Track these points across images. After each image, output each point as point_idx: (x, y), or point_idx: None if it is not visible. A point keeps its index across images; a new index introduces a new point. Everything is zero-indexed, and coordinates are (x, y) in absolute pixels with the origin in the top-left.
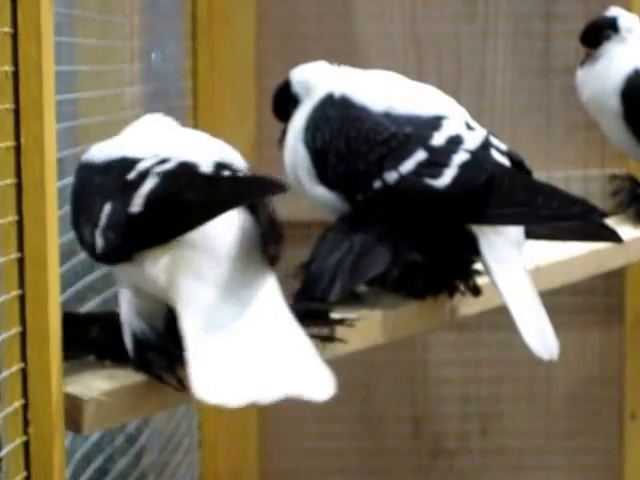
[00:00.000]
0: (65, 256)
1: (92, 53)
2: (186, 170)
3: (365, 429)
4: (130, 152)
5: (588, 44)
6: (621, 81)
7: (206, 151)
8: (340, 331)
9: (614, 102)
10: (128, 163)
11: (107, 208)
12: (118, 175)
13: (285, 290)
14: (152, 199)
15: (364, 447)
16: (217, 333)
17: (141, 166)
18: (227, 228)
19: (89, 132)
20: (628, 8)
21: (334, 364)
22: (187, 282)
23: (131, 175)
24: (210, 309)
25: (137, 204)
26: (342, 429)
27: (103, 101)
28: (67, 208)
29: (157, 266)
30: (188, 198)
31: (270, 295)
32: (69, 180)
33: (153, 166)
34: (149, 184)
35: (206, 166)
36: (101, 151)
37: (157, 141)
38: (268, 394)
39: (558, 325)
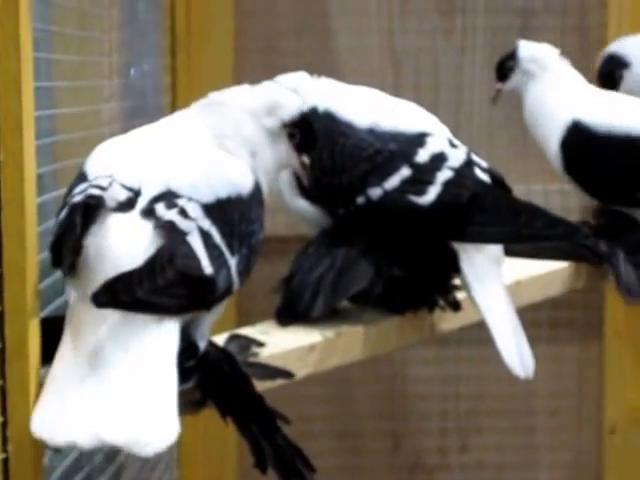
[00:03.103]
0: (45, 272)
1: (70, 69)
2: (86, 209)
3: (344, 445)
4: (90, 166)
5: (497, 77)
6: (561, 132)
7: (160, 176)
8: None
9: (555, 152)
10: (82, 177)
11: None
12: (69, 192)
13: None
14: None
15: (343, 463)
16: (76, 374)
17: (78, 189)
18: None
19: (68, 148)
20: (604, 22)
21: (314, 380)
22: (69, 324)
23: (70, 197)
24: (80, 350)
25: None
26: (321, 445)
27: (81, 117)
28: (47, 224)
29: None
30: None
31: (152, 343)
32: (49, 196)
33: (80, 192)
34: (62, 214)
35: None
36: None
37: (124, 154)
38: (88, 439)
39: (538, 340)
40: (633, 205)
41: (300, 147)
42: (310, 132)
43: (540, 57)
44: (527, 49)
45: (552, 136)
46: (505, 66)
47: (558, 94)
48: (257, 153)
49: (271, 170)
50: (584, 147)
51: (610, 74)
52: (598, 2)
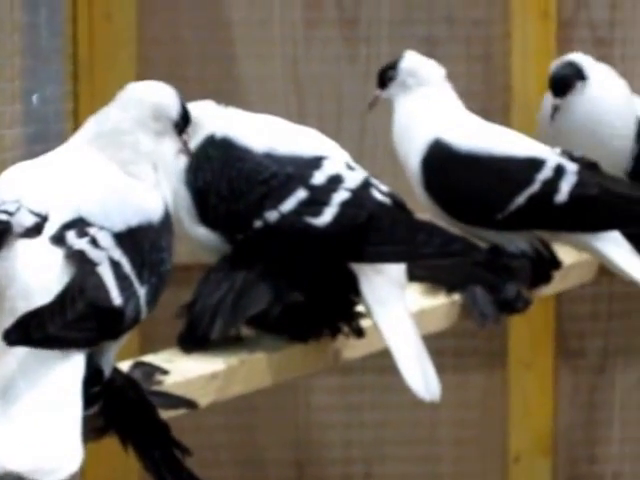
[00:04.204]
0: None
1: None
2: None
3: (248, 474)
4: (3, 187)
5: (377, 84)
6: (422, 148)
7: (70, 202)
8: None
9: (415, 169)
10: None
11: None
12: None
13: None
14: None
15: None
16: None
17: None
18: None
19: None
20: (508, 51)
21: (217, 408)
22: None
23: None
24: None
25: None
26: (225, 473)
27: None
28: None
29: None
30: None
31: (58, 375)
32: None
33: None
34: None
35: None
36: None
37: (32, 180)
38: None
39: (441, 368)
40: (492, 227)
41: (181, 129)
42: (186, 114)
43: (419, 71)
44: (410, 61)
45: (413, 152)
46: (386, 74)
47: (426, 111)
48: (156, 162)
49: (170, 169)
50: (444, 165)
51: (565, 79)
52: (502, 32)
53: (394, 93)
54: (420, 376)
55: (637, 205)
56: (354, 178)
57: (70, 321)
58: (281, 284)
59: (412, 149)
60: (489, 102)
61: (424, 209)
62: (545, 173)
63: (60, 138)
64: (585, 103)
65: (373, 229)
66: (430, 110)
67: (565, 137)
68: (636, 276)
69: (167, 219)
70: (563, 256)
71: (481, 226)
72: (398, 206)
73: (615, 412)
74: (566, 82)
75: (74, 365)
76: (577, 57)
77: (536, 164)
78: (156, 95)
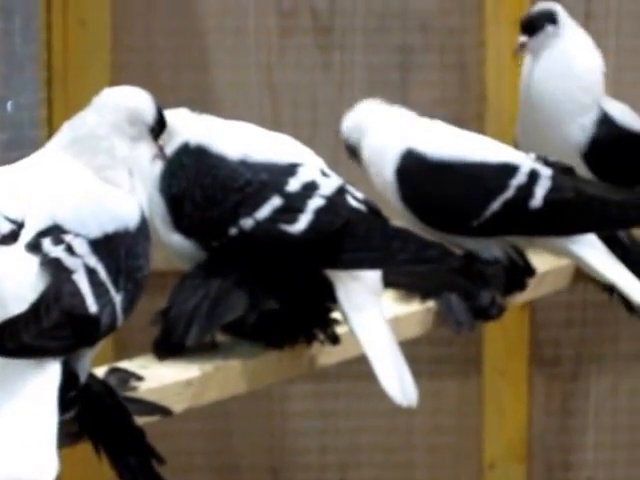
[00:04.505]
0: None
1: None
2: None
3: None
4: None
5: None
6: (396, 160)
7: (45, 209)
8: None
9: (390, 182)
10: None
11: None
12: None
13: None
14: None
15: None
16: None
17: None
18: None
19: None
20: (482, 60)
21: (191, 414)
22: None
23: None
24: None
25: None
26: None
27: None
28: None
29: None
30: None
31: (33, 384)
32: None
33: None
34: None
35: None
36: None
37: (6, 186)
38: None
39: (416, 375)
40: (468, 234)
41: (156, 135)
42: (162, 119)
43: (361, 124)
44: (349, 121)
45: (387, 164)
46: None
47: (396, 122)
48: (132, 167)
49: (146, 174)
50: (419, 175)
51: (536, 18)
52: (476, 40)
53: None
54: (397, 382)
55: (612, 207)
56: (329, 185)
57: (45, 330)
58: (257, 291)
59: (384, 164)
60: (463, 110)
61: (400, 218)
62: (519, 178)
63: (35, 145)
64: (554, 48)
65: (348, 236)
66: (394, 126)
67: (535, 89)
68: (612, 278)
69: (144, 225)
70: (537, 263)
71: (458, 233)
72: (373, 213)
73: (589, 419)
74: (536, 21)
75: (50, 374)
76: (553, 5)
77: (510, 170)
78: (132, 100)
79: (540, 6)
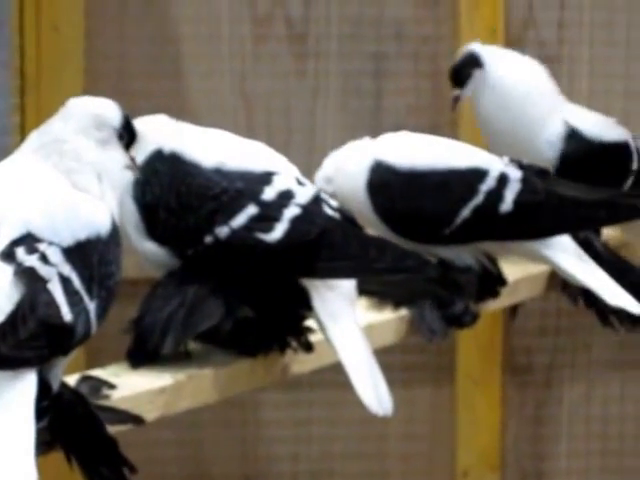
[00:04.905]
0: None
1: None
2: None
3: None
4: None
5: None
6: (365, 173)
7: (18, 217)
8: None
9: (362, 197)
10: None
11: None
12: None
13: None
14: None
15: None
16: None
17: None
18: None
19: None
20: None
21: (163, 422)
22: None
23: None
24: None
25: None
26: None
27: None
28: None
29: None
30: None
31: (9, 395)
32: None
33: None
34: None
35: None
36: None
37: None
38: None
39: (390, 383)
40: (441, 242)
41: (127, 144)
42: (130, 126)
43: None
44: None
45: (357, 181)
46: None
47: (357, 154)
48: (101, 173)
49: (116, 181)
50: (389, 186)
51: (460, 68)
52: (450, 48)
53: None
54: (372, 391)
55: (583, 208)
56: (305, 193)
57: (22, 340)
58: (232, 299)
59: (356, 177)
60: (437, 117)
61: (374, 229)
62: (488, 183)
63: (6, 152)
64: (487, 87)
65: (324, 245)
66: (366, 143)
67: (487, 127)
68: (585, 281)
69: (114, 231)
70: (511, 270)
71: (431, 242)
72: (348, 221)
73: (562, 427)
74: (462, 72)
75: (26, 384)
76: (475, 46)
77: (479, 175)
78: (98, 107)
79: (463, 52)
